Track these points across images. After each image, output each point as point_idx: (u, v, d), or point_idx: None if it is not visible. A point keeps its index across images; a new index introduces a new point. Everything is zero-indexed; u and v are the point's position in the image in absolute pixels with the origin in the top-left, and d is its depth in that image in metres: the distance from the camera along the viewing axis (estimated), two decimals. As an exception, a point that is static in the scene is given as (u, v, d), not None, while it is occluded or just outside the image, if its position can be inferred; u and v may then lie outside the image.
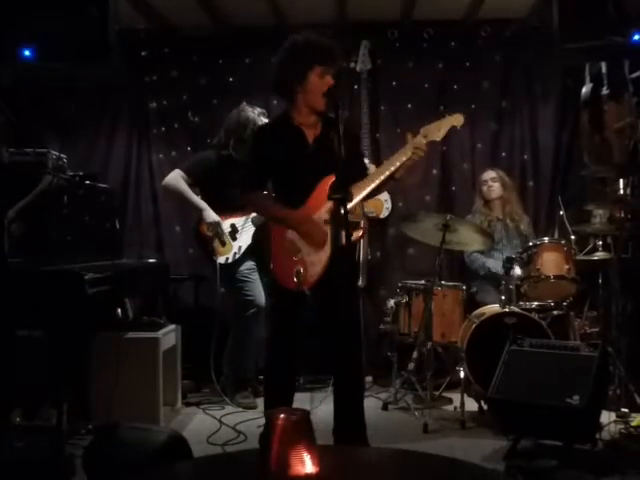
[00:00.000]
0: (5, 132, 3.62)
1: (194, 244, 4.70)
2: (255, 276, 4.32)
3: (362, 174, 3.18)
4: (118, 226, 4.23)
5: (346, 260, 3.07)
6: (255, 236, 4.29)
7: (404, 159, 3.05)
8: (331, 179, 3.02)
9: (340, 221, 2.72)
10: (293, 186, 3.11)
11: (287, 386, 3.22)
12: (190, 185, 4.34)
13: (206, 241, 4.31)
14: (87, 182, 3.88)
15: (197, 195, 4.37)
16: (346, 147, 2.79)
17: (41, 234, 3.24)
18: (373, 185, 3.09)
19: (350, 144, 3.03)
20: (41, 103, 5.10)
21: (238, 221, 4.34)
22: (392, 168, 3.07)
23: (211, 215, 4.28)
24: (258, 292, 4.28)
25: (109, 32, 3.50)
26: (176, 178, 4.34)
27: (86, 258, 3.51)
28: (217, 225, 4.28)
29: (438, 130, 3.13)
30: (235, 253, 4.29)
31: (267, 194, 3.23)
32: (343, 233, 2.73)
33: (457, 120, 3.18)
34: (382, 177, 3.09)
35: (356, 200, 3.06)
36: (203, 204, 4.31)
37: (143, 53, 5.31)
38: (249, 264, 4.32)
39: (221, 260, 4.27)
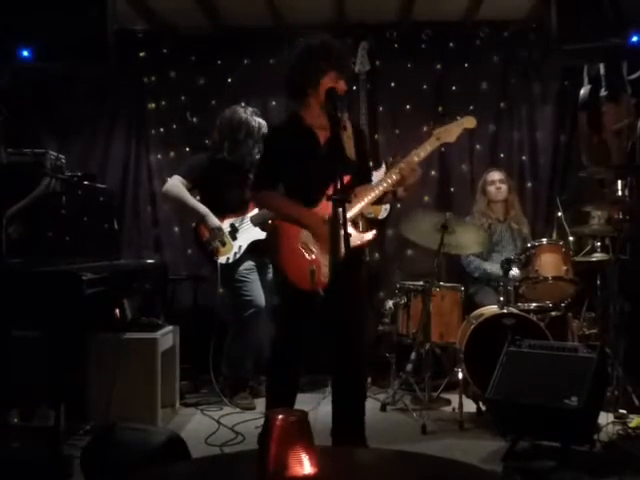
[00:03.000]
0: (3, 132, 3.61)
1: (193, 244, 4.69)
2: (254, 276, 4.31)
3: (366, 179, 3.18)
4: (116, 226, 4.23)
5: (356, 261, 3.05)
6: (267, 235, 4.21)
7: (395, 178, 3.03)
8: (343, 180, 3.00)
9: (339, 223, 2.71)
10: (305, 187, 3.07)
11: (291, 387, 3.20)
12: (189, 189, 4.35)
13: (206, 242, 4.30)
14: (85, 182, 3.87)
15: (196, 197, 4.37)
16: (357, 149, 2.76)
17: (39, 234, 3.24)
18: (364, 203, 3.07)
19: (360, 146, 3.03)
20: (39, 103, 5.10)
21: (237, 221, 4.33)
22: (385, 185, 3.06)
23: (213, 221, 4.27)
24: (257, 292, 4.27)
25: (107, 32, 3.51)
26: (176, 185, 4.32)
27: (84, 258, 3.50)
28: (219, 230, 4.27)
29: (451, 132, 3.15)
30: (235, 253, 4.28)
31: (279, 193, 3.21)
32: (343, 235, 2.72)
33: (470, 122, 3.22)
34: (374, 195, 3.07)
35: (354, 210, 3.02)
36: (204, 210, 4.29)
37: (141, 53, 5.30)
38: (248, 264, 4.31)
39: (222, 260, 4.27)
